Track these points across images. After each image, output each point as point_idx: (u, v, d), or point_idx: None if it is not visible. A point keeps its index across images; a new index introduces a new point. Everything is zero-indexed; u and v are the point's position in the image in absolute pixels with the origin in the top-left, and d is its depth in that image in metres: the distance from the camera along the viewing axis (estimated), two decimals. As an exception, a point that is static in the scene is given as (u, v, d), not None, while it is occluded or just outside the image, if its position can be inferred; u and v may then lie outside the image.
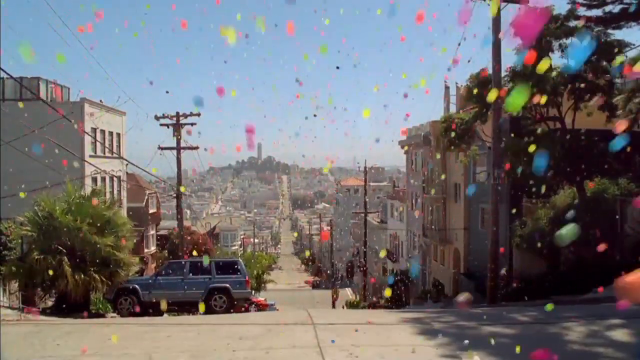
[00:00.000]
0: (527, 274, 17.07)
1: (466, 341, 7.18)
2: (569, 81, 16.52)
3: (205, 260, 17.21)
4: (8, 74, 11.56)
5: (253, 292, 27.74)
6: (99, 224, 15.70)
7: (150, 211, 39.47)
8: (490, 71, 16.24)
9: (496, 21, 15.06)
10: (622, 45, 16.35)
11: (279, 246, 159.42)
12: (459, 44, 17.15)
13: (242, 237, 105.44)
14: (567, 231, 3.88)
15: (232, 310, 17.49)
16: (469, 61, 22.60)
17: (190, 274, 18.01)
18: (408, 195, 41.78)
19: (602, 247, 3.86)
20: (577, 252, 14.46)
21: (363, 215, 44.10)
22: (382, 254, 40.49)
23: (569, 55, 3.90)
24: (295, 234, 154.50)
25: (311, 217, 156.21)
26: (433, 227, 33.38)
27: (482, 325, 9.33)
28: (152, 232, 39.75)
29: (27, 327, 10.76)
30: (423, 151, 35.55)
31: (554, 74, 15.01)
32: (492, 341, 7.10)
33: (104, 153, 31.40)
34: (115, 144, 33.14)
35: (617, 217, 14.99)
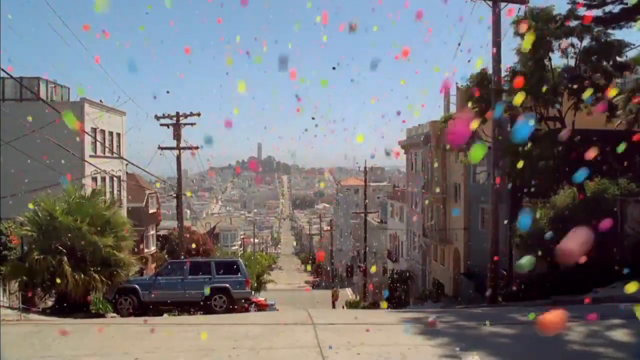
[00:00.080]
0: (527, 274, 17.06)
1: (459, 347, 7.15)
2: (569, 81, 16.54)
3: (206, 292, 16.56)
4: (8, 73, 11.54)
5: (253, 292, 27.74)
6: (99, 224, 15.70)
7: (150, 211, 39.48)
8: (490, 71, 16.25)
9: (496, 21, 15.07)
10: (622, 45, 16.37)
11: (279, 246, 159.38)
12: (459, 44, 17.19)
13: (242, 237, 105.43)
14: (526, 261, 4.29)
15: (233, 309, 17.49)
16: (469, 61, 22.64)
17: (190, 275, 18.01)
18: (408, 195, 41.79)
19: (583, 260, 3.97)
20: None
21: (363, 215, 44.08)
22: (373, 269, 41.65)
23: (514, 132, 4.20)
24: (294, 243, 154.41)
25: (311, 217, 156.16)
26: (433, 222, 33.35)
27: (482, 325, 9.33)
28: (152, 232, 39.75)
29: (27, 327, 10.76)
30: (423, 151, 35.55)
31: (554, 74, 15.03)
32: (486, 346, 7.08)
33: (104, 153, 31.40)
34: (115, 144, 33.14)
35: (618, 216, 14.99)
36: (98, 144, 30.02)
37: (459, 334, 8.82)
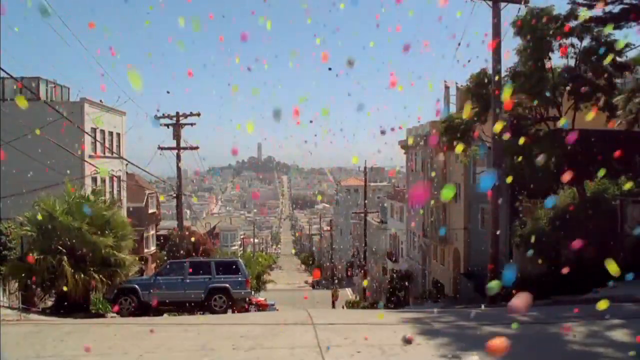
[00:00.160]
0: (527, 274, 17.05)
1: (459, 347, 7.16)
2: (569, 81, 16.53)
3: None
4: (8, 73, 11.56)
5: (253, 292, 27.76)
6: (99, 224, 15.70)
7: (150, 211, 39.47)
8: (490, 71, 16.24)
9: (496, 21, 15.07)
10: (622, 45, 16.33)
11: (279, 246, 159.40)
12: (459, 44, 17.15)
13: (242, 237, 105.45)
14: (494, 285, 4.61)
15: (233, 310, 17.51)
16: (469, 61, 22.65)
17: (191, 274, 18.01)
18: (408, 195, 41.78)
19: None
20: (577, 252, 14.44)
21: (363, 215, 44.09)
22: (365, 283, 41.80)
23: (480, 182, 4.73)
24: (296, 234, 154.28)
25: (311, 217, 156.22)
26: (432, 219, 33.29)
27: (482, 325, 9.33)
28: (152, 232, 39.75)
29: (27, 327, 10.77)
30: (423, 151, 35.56)
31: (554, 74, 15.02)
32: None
33: (104, 153, 31.39)
34: (115, 144, 33.13)
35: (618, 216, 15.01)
36: (98, 144, 30.02)
37: (459, 334, 8.82)
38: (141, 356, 7.47)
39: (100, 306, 17.74)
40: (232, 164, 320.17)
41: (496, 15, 15.04)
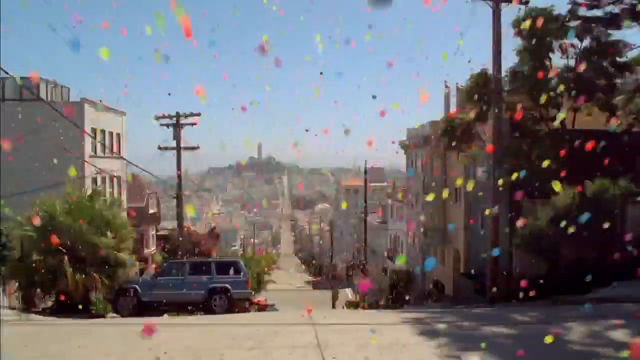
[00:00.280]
0: (527, 274, 17.04)
1: (459, 347, 7.15)
2: (569, 81, 16.52)
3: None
4: (8, 73, 11.56)
5: (253, 292, 27.73)
6: (99, 224, 15.71)
7: (150, 211, 39.46)
8: (490, 71, 16.24)
9: (496, 21, 15.06)
10: (622, 45, 16.36)
11: (278, 246, 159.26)
12: (459, 44, 17.13)
13: (241, 237, 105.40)
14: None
15: (235, 310, 17.49)
16: (469, 61, 22.58)
17: (191, 275, 17.99)
18: (408, 195, 41.75)
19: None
20: (577, 252, 14.44)
21: (363, 215, 44.08)
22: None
23: (424, 263, 4.95)
24: (294, 233, 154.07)
25: (311, 217, 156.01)
26: (434, 218, 33.20)
27: (483, 325, 9.34)
28: (152, 232, 39.76)
29: (27, 327, 10.77)
30: (423, 151, 35.53)
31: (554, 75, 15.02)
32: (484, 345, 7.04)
33: (104, 153, 31.38)
34: (115, 144, 33.11)
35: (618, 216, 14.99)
36: (98, 144, 30.01)
37: (459, 334, 8.82)
38: (141, 356, 7.46)
39: (100, 306, 17.71)
40: (232, 164, 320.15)
41: (496, 15, 15.04)
